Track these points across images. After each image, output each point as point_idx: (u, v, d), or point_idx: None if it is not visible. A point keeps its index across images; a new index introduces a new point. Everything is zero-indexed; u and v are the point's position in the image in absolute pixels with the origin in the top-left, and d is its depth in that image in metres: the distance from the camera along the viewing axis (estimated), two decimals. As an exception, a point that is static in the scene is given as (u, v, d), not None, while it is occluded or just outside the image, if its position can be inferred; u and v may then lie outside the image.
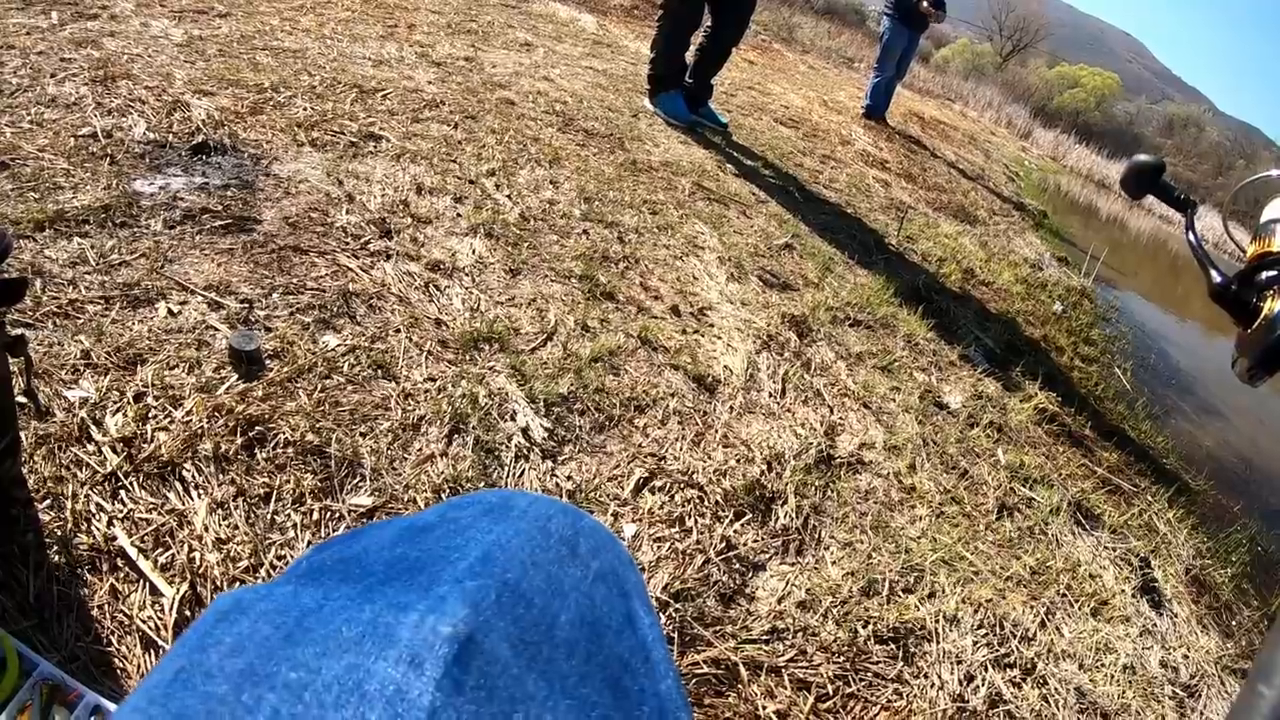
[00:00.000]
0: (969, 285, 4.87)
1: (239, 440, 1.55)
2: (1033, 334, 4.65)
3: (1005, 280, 5.33)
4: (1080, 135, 35.63)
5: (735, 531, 1.91)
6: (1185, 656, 2.53)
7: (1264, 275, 0.88)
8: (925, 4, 8.46)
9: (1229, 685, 2.58)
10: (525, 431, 1.91)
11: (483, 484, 1.71)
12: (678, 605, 1.66)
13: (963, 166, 9.64)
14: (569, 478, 1.85)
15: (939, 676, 1.82)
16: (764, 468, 2.15)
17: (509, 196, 3.08)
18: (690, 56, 5.36)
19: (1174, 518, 3.42)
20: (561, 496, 1.79)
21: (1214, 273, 0.98)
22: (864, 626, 1.83)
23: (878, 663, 1.78)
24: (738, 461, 2.14)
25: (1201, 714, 2.37)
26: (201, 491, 1.44)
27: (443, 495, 1.64)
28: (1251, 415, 6.44)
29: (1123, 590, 2.57)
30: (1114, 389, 4.74)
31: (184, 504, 1.41)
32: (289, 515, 1.47)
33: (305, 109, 3.16)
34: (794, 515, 2.03)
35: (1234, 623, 3.01)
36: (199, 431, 1.54)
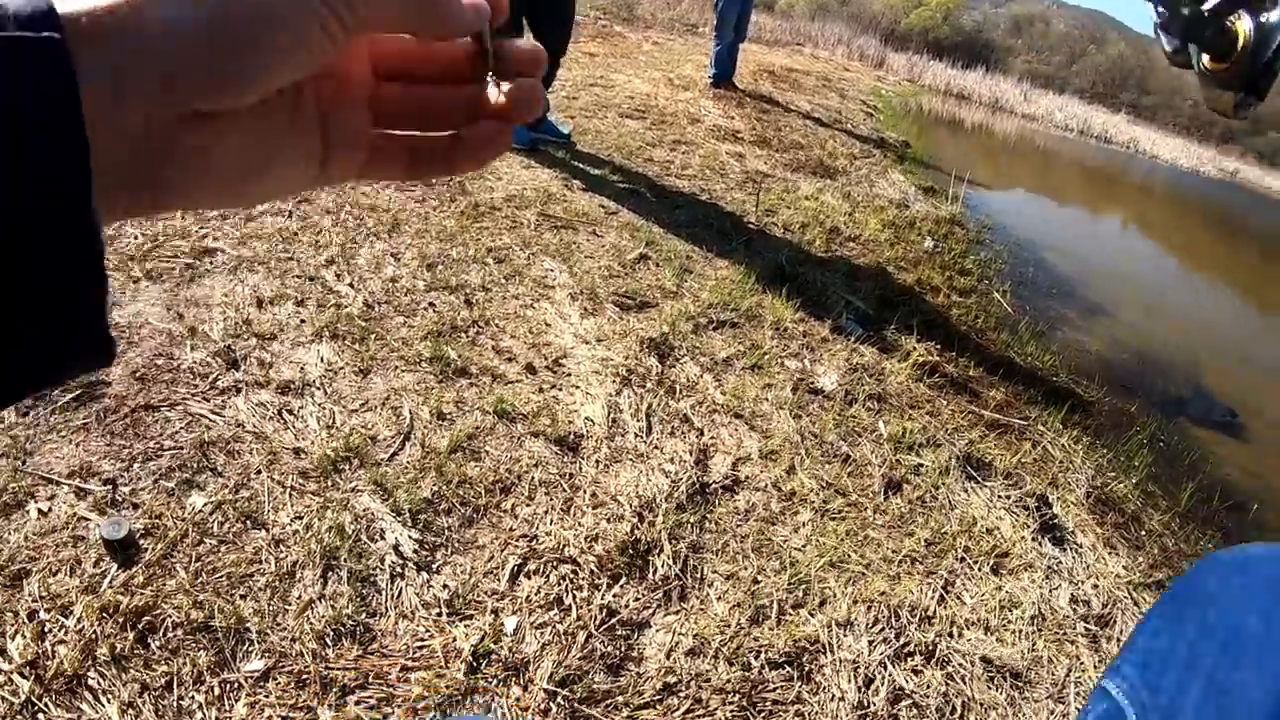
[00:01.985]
0: (835, 245, 4.95)
1: (131, 636, 1.55)
2: (905, 280, 4.74)
3: (872, 230, 5.43)
4: (933, 52, 36.49)
5: (614, 596, 1.92)
6: (1095, 586, 2.62)
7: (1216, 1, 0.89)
8: None
9: (1143, 603, 2.68)
10: (396, 548, 1.90)
11: (364, 615, 1.72)
12: (565, 691, 1.67)
13: (818, 115, 9.78)
14: (445, 585, 1.85)
15: (838, 688, 1.86)
16: (635, 520, 2.16)
17: (351, 285, 3.02)
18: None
19: (1069, 441, 3.53)
20: (440, 607, 1.79)
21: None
22: (756, 657, 1.86)
23: (775, 689, 1.81)
24: (609, 520, 2.15)
25: (1116, 641, 2.47)
26: (110, 696, 1.45)
27: (327, 641, 1.65)
28: (1137, 305, 6.68)
29: (1023, 537, 2.64)
30: (995, 317, 4.86)
31: (97, 712, 1.42)
32: (193, 697, 1.49)
33: (136, 236, 3.07)
34: (671, 562, 2.05)
35: (1143, 533, 3.13)
36: (94, 637, 1.54)
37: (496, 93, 0.44)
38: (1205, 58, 0.96)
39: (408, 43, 0.44)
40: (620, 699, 1.69)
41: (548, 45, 5.16)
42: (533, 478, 2.24)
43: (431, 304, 3.00)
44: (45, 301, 0.28)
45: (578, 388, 2.67)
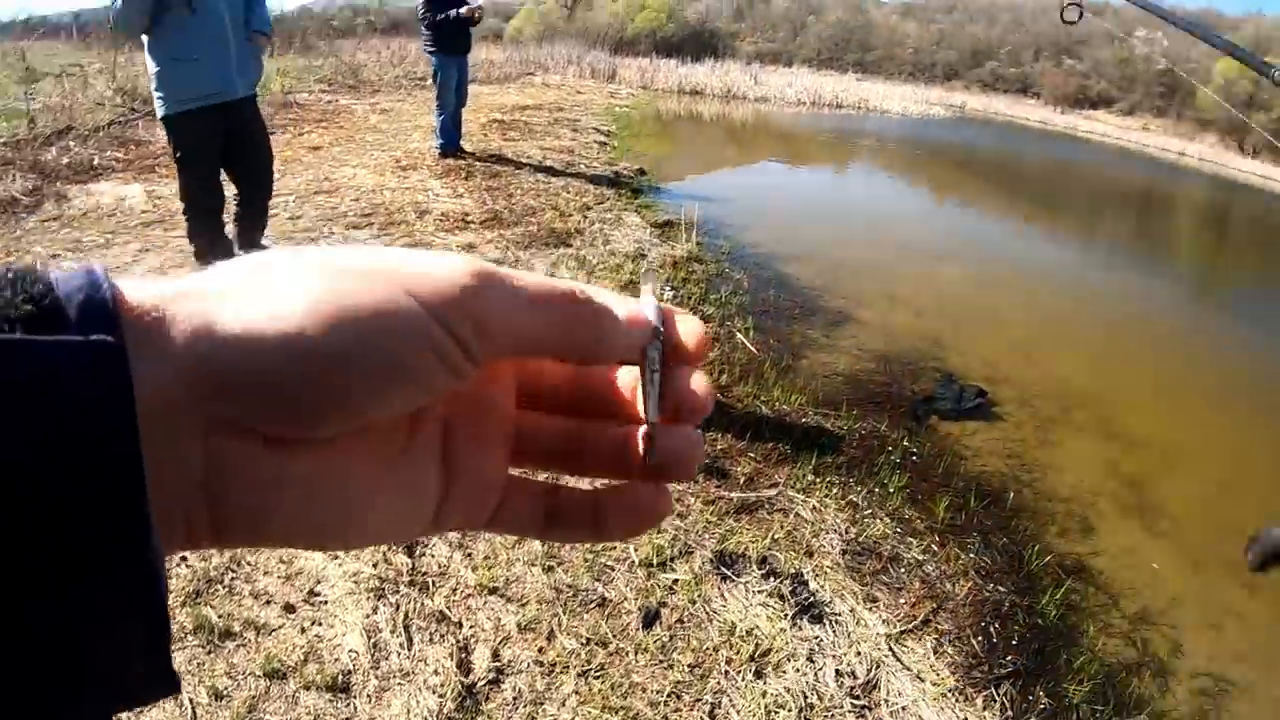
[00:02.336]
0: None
1: None
2: (651, 352, 4.85)
3: (613, 298, 5.52)
4: (663, 52, 37.54)
5: None
6: (858, 653, 2.79)
7: None
8: (467, 7, 8.59)
9: (905, 656, 2.87)
10: None
11: None
12: None
13: (551, 162, 9.96)
14: None
15: None
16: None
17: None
18: (231, 228, 5.16)
19: (820, 498, 3.69)
20: None
21: None
22: None
23: None
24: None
25: (885, 704, 2.64)
26: None
27: None
28: (879, 296, 7.03)
29: (781, 629, 2.77)
30: (739, 365, 5.03)
31: None
32: None
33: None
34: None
35: (903, 570, 3.35)
36: None
37: (647, 443, 0.37)
38: None
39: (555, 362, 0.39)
40: None
41: (248, 194, 5.05)
42: (310, 741, 2.20)
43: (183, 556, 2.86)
44: (100, 645, 0.26)
45: (336, 616, 2.61)
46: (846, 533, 3.46)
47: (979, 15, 65.29)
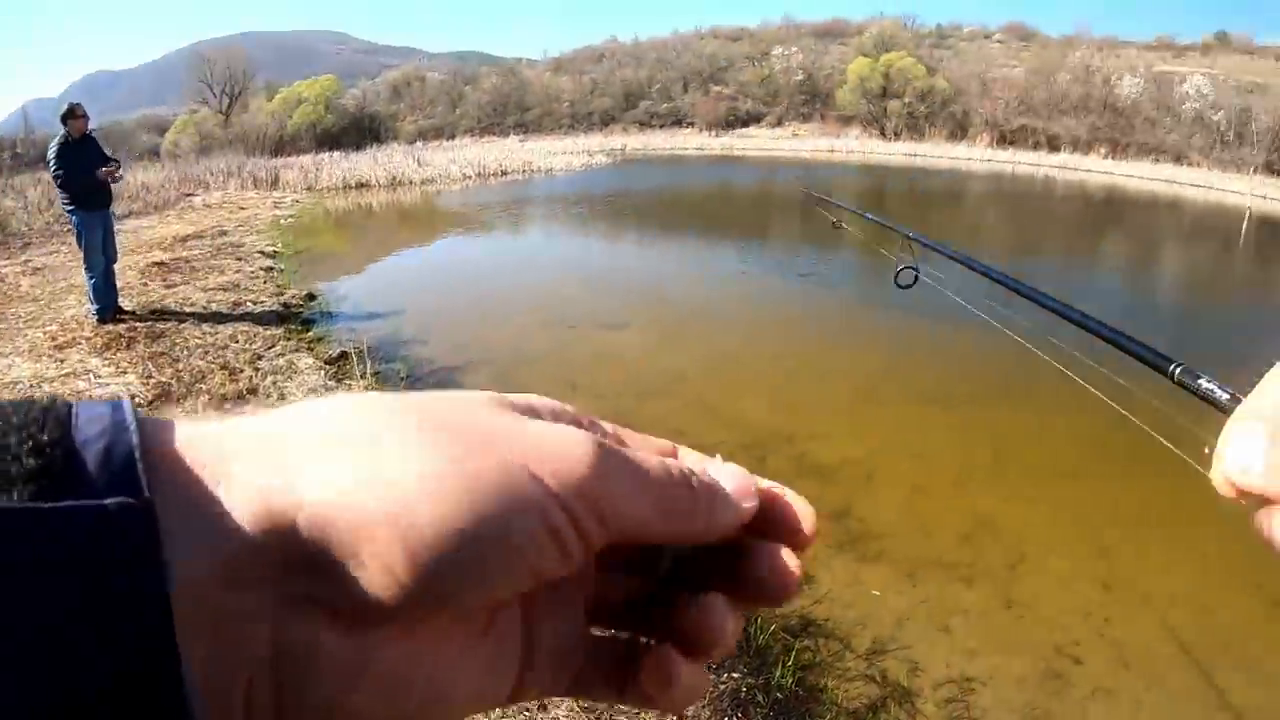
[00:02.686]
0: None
1: None
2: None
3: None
4: (327, 144, 37.38)
5: None
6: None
7: None
8: (102, 171, 8.30)
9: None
10: None
11: None
12: None
13: (218, 305, 9.66)
14: None
15: None
16: None
17: None
18: None
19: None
20: None
21: None
22: None
23: None
24: None
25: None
26: None
27: None
28: (564, 390, 7.63)
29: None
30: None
31: None
32: None
33: None
34: None
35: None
36: None
37: (705, 612, 0.34)
38: None
39: None
40: None
41: None
42: None
43: None
44: None
45: None
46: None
47: (627, 60, 69.04)
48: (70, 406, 0.25)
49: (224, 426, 0.28)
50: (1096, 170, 46.73)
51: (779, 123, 61.71)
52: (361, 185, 25.92)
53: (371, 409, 0.29)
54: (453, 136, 54.35)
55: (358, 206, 21.83)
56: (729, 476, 0.35)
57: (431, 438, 0.28)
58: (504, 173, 29.83)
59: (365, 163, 29.31)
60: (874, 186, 27.70)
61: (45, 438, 0.23)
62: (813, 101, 62.49)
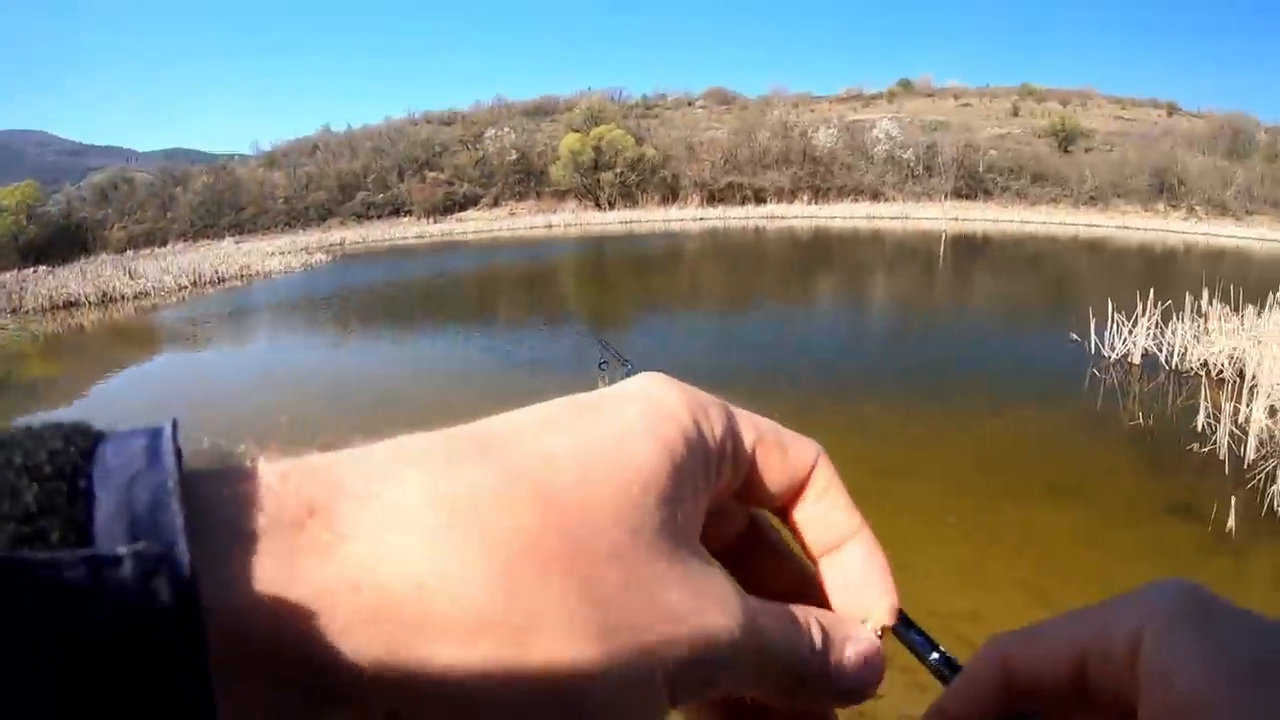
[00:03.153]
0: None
1: None
2: None
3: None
4: (30, 258, 35.18)
5: None
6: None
7: None
8: None
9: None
10: None
11: None
12: None
13: None
14: None
15: None
16: None
17: None
18: None
19: None
20: None
21: None
22: None
23: None
24: None
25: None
26: None
27: None
28: None
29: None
30: None
31: None
32: None
33: None
34: None
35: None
36: None
37: None
38: None
39: None
40: None
41: None
42: None
43: None
44: None
45: None
46: None
47: (341, 150, 68.31)
48: (104, 449, 0.21)
49: (288, 507, 0.22)
50: (803, 216, 50.46)
51: (496, 203, 62.68)
52: (70, 304, 24.39)
53: (507, 514, 0.25)
54: (165, 242, 51.55)
55: (67, 328, 20.90)
56: (859, 656, 0.33)
57: (593, 588, 0.25)
58: (221, 280, 28.43)
59: (74, 278, 27.51)
60: (593, 257, 28.84)
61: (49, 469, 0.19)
62: (528, 180, 63.79)
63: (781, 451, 0.34)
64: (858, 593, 0.35)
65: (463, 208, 62.79)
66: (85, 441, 0.21)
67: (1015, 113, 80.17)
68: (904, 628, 0.36)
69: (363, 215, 61.57)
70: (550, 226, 48.87)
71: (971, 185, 59.50)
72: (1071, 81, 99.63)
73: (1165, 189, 57.83)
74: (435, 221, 58.04)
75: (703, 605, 0.27)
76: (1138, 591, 0.30)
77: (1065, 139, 68.11)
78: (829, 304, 17.35)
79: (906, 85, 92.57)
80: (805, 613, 0.33)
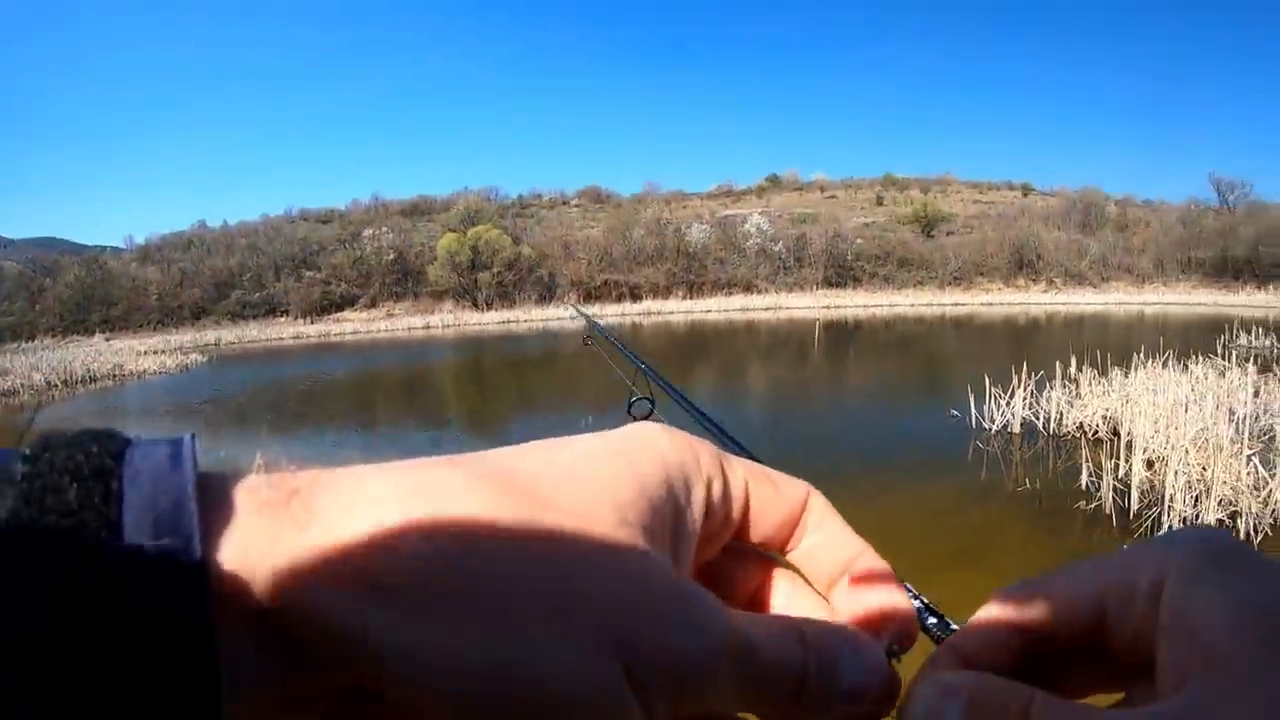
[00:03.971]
0: None
1: None
2: None
3: None
4: None
5: None
6: None
7: None
8: None
9: None
10: None
11: None
12: None
13: None
14: None
15: None
16: None
17: None
18: None
19: None
20: None
21: None
22: None
23: None
24: None
25: None
26: None
27: None
28: None
29: None
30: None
31: None
32: None
33: None
34: None
35: None
36: None
37: None
38: None
39: None
40: None
41: None
42: None
43: None
44: None
45: None
46: None
47: (217, 247, 66.96)
48: (132, 460, 0.24)
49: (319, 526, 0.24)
50: (678, 311, 51.25)
51: (374, 303, 62.22)
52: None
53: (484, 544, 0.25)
54: (33, 336, 49.63)
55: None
56: (861, 664, 0.31)
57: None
58: (94, 379, 27.24)
59: None
60: (471, 359, 28.92)
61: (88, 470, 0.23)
62: (405, 280, 63.55)
63: (773, 487, 0.36)
64: (868, 613, 0.34)
65: (340, 308, 62.00)
66: (115, 445, 0.24)
67: (879, 202, 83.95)
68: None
69: (238, 314, 60.25)
70: (429, 327, 48.55)
71: (841, 274, 61.60)
72: (931, 169, 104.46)
73: (1024, 264, 61.17)
74: (312, 322, 57.12)
75: (672, 609, 0.27)
76: (1163, 538, 0.30)
77: (928, 224, 71.40)
78: (707, 394, 17.47)
79: (775, 180, 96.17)
80: (804, 622, 0.32)
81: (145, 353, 34.11)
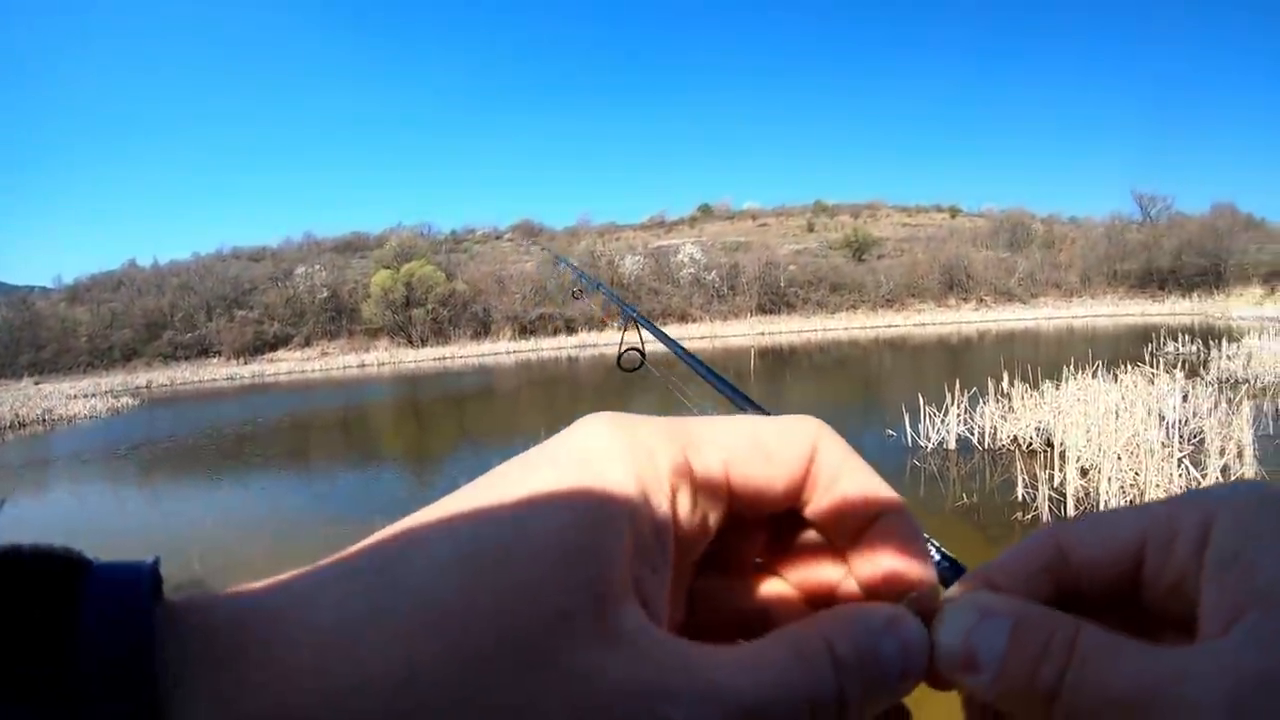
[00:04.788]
0: None
1: None
2: None
3: None
4: None
5: None
6: None
7: None
8: None
9: None
10: None
11: None
12: None
13: None
14: None
15: None
16: None
17: None
18: None
19: None
20: None
21: None
22: None
23: None
24: None
25: None
26: None
27: None
28: None
29: None
30: None
31: None
32: None
33: None
34: None
35: None
36: None
37: None
38: None
39: None
40: None
41: None
42: None
43: None
44: None
45: None
46: None
47: (148, 286, 65.71)
48: (91, 573, 0.23)
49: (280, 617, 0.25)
50: (613, 343, 51.30)
51: (308, 342, 61.50)
52: None
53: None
54: None
55: None
56: (900, 651, 0.29)
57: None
58: (22, 424, 26.53)
59: None
60: (408, 398, 28.62)
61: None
62: (339, 318, 63.00)
63: (764, 457, 0.33)
64: (890, 571, 0.33)
65: (273, 348, 61.21)
66: (74, 569, 0.23)
67: (811, 228, 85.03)
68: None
69: (170, 356, 59.34)
70: (363, 366, 48.18)
71: (774, 300, 62.26)
72: (861, 195, 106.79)
73: (955, 284, 62.42)
74: (245, 362, 56.49)
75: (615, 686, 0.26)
76: (1206, 488, 0.30)
77: (859, 249, 72.48)
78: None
79: (707, 210, 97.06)
80: (829, 627, 0.29)
81: (75, 396, 33.77)
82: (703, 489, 0.31)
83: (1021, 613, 0.28)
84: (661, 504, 0.29)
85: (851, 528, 0.33)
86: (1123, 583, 0.30)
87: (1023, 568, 0.32)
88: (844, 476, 0.33)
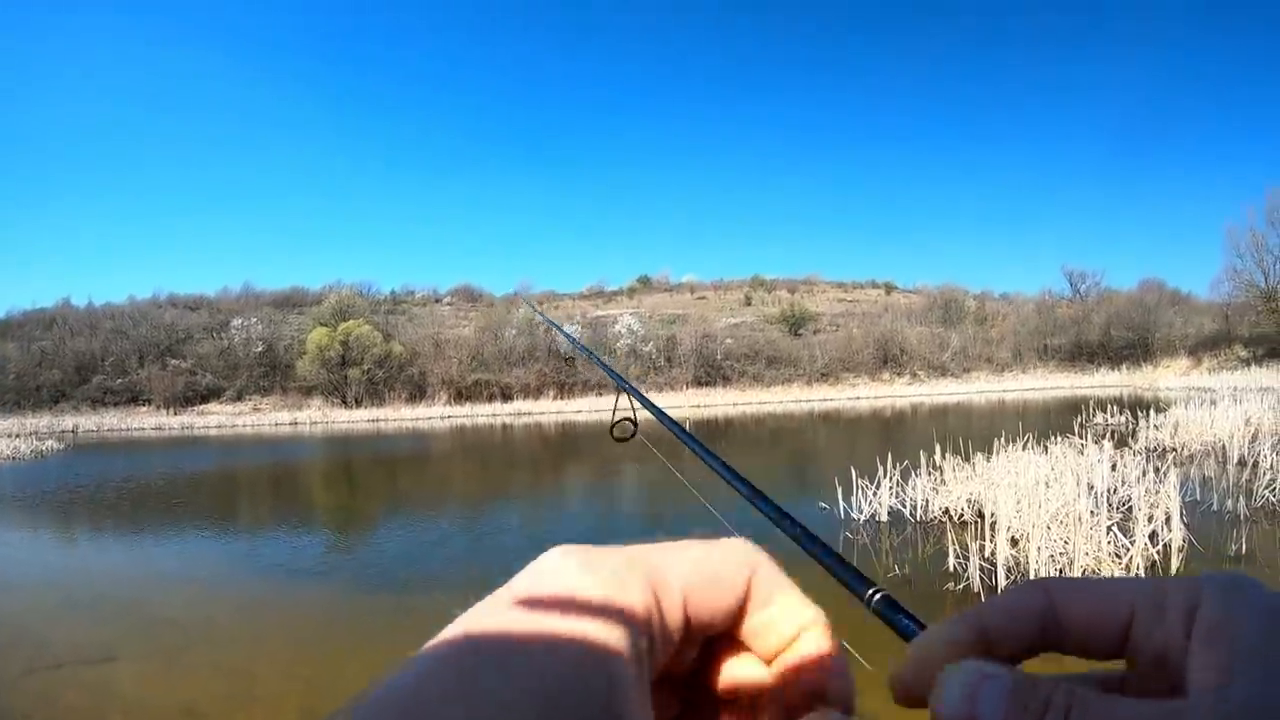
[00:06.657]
0: None
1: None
2: None
3: None
4: None
5: None
6: None
7: None
8: None
9: None
10: None
11: None
12: None
13: None
14: None
15: None
16: None
17: None
18: None
19: None
20: None
21: None
22: None
23: None
24: None
25: None
26: None
27: None
28: None
29: None
30: None
31: None
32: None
33: None
34: None
35: None
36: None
37: None
38: None
39: None
40: None
41: None
42: None
43: None
44: None
45: None
46: None
47: (80, 327, 64.41)
48: None
49: None
50: (549, 411, 51.38)
51: (240, 396, 60.63)
52: None
53: None
54: None
55: None
56: None
57: None
58: None
59: None
60: (340, 460, 28.14)
61: None
62: (273, 373, 62.18)
63: (715, 587, 0.35)
64: (810, 684, 0.37)
65: (205, 399, 60.14)
66: None
67: (748, 302, 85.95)
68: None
69: (99, 401, 58.07)
70: (295, 423, 47.59)
71: (711, 373, 62.76)
72: (798, 270, 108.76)
73: (889, 359, 63.62)
74: (175, 413, 55.37)
75: None
76: (1188, 577, 0.33)
77: (795, 323, 73.42)
78: (579, 496, 17.46)
79: (646, 281, 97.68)
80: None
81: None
82: (669, 628, 0.33)
83: (1019, 674, 0.31)
84: (643, 644, 0.32)
85: (776, 645, 0.37)
86: (1107, 644, 0.33)
87: (1015, 616, 0.34)
88: (775, 598, 0.37)
